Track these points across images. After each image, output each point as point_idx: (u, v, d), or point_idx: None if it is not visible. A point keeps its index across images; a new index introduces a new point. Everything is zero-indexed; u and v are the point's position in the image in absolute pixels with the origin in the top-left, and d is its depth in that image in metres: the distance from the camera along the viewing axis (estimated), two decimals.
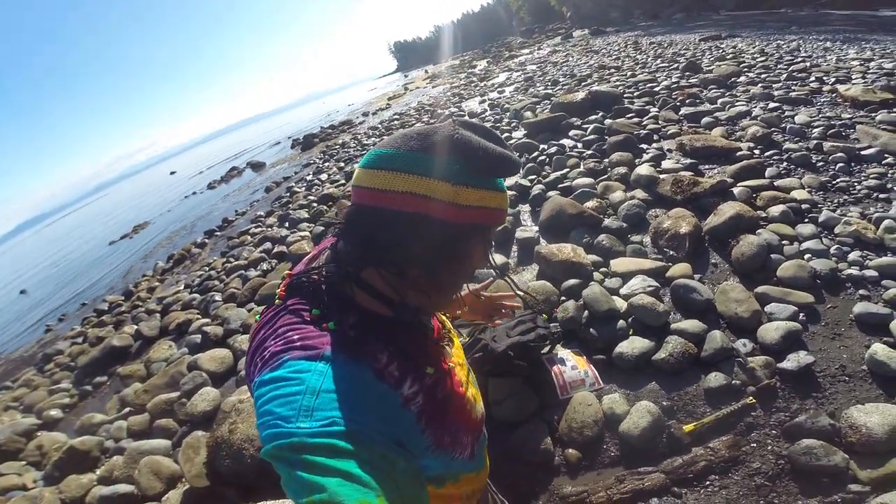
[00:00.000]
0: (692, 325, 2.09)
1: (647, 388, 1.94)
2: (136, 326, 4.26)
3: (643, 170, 3.48)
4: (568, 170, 4.00)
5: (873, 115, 3.65)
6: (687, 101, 4.92)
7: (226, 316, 3.65)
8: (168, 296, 4.91)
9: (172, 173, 32.74)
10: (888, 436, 1.52)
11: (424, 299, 0.62)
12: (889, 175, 2.81)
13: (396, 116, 11.25)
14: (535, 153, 4.59)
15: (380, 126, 10.83)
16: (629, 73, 7.02)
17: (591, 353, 2.16)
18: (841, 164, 3.03)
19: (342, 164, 8.03)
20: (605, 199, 3.37)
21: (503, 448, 1.83)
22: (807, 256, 2.32)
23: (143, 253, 8.71)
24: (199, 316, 4.01)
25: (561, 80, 8.32)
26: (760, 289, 2.20)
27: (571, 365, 1.99)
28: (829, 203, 2.72)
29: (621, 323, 2.23)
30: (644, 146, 4.08)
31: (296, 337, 0.53)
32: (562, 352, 2.09)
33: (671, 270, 2.48)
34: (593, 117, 5.04)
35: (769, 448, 1.65)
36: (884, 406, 1.61)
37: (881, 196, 2.66)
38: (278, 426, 0.43)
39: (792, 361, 1.81)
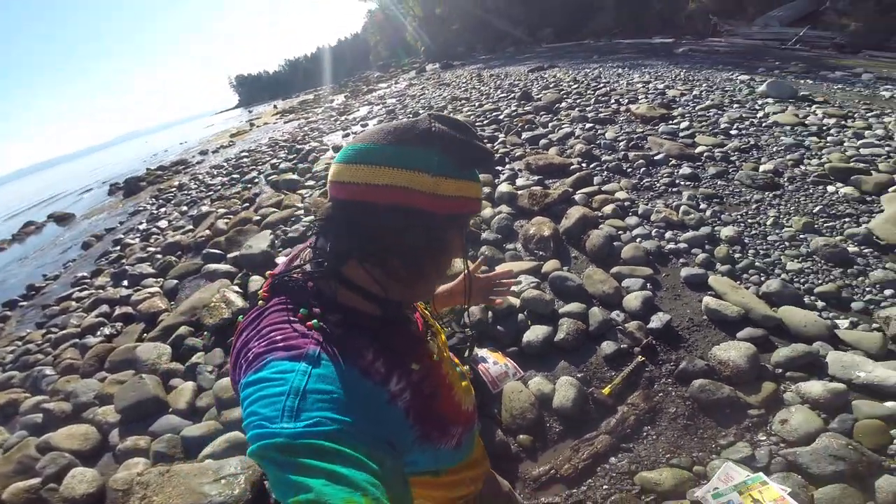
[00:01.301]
0: (575, 306, 2.47)
1: (560, 366, 2.20)
2: None
3: (503, 188, 3.97)
4: None
5: (657, 127, 4.78)
6: (526, 127, 5.71)
7: (69, 389, 3.02)
8: None
9: None
10: (749, 364, 1.89)
11: (407, 292, 0.63)
12: (675, 173, 3.76)
13: (245, 153, 10.31)
14: None
15: (225, 164, 9.76)
16: (477, 104, 7.76)
17: (504, 347, 2.36)
18: (643, 169, 3.93)
19: (184, 209, 7.05)
20: (479, 215, 3.73)
21: None
22: (638, 240, 2.96)
23: None
24: (27, 394, 3.21)
25: (420, 111, 8.79)
26: (614, 269, 2.72)
27: (493, 361, 2.16)
28: (642, 199, 3.49)
29: (521, 316, 2.50)
30: (499, 168, 4.59)
31: (279, 337, 0.52)
32: (481, 351, 2.25)
33: (545, 267, 2.88)
34: None
35: (674, 394, 1.94)
36: (733, 343, 2.04)
37: (673, 189, 3.55)
38: (263, 426, 0.43)
39: (656, 321, 2.26)
